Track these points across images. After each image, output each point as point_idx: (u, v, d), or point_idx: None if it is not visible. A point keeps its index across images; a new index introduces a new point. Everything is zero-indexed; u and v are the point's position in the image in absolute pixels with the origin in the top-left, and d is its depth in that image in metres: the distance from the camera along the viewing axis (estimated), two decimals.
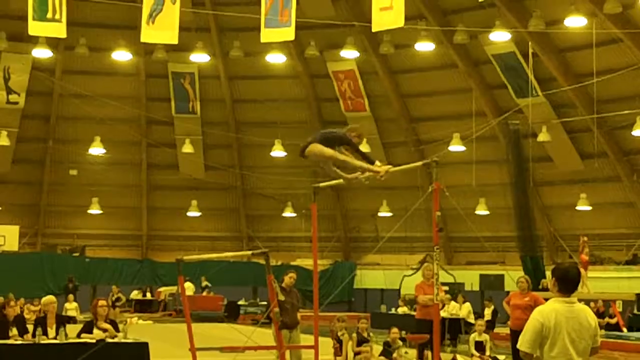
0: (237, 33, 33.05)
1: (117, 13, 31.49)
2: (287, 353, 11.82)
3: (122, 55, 31.95)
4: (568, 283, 5.97)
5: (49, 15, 18.29)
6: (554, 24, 27.96)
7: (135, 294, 34.48)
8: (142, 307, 33.47)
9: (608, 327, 23.20)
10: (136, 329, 20.67)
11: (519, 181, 30.52)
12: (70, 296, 28.71)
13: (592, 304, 22.70)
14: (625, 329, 23.56)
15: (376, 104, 35.22)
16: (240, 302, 32.20)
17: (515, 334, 11.57)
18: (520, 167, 30.42)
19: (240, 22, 30.65)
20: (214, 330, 20.76)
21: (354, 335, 12.93)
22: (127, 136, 36.30)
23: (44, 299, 12.20)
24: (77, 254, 36.86)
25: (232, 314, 30.29)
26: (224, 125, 36.83)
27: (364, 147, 35.49)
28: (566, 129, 31.32)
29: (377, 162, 9.04)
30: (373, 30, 19.43)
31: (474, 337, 14.05)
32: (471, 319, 20.98)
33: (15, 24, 29.46)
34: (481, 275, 33.84)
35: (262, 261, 7.48)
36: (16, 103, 33.98)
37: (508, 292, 14.97)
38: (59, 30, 18.76)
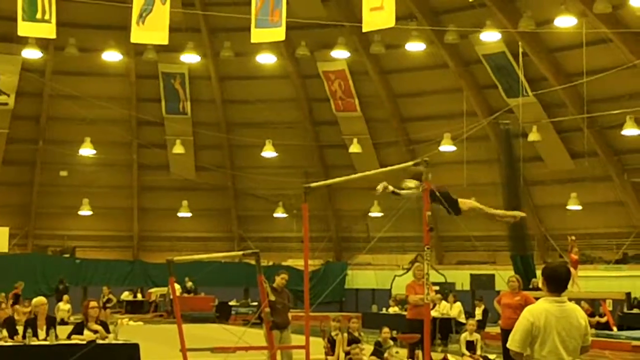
0: (228, 33, 33.04)
1: (107, 13, 31.37)
2: (278, 353, 11.82)
3: (112, 56, 31.91)
4: (557, 282, 5.97)
5: (39, 15, 18.25)
6: (544, 24, 28.02)
7: (126, 295, 34.43)
8: (133, 308, 33.42)
9: (598, 326, 23.24)
10: (127, 330, 20.59)
11: (510, 181, 30.61)
12: (65, 297, 28.44)
13: (582, 304, 22.76)
14: (615, 328, 23.63)
15: (367, 104, 35.24)
16: (231, 303, 32.18)
17: (506, 333, 11.58)
18: (511, 166, 30.52)
19: (230, 22, 30.65)
20: (205, 331, 20.72)
21: (345, 335, 12.93)
22: (117, 137, 36.20)
23: (34, 300, 12.16)
24: (67, 255, 36.79)
25: (223, 315, 30.26)
26: (215, 126, 36.79)
27: (355, 148, 35.61)
28: (556, 129, 31.40)
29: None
30: (364, 30, 19.45)
31: (464, 336, 14.07)
32: (462, 319, 21.00)
33: (5, 25, 29.38)
34: (472, 275, 33.90)
35: (253, 262, 7.46)
36: (6, 104, 33.87)
37: (499, 292, 15.01)
38: (48, 30, 18.74)
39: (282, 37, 19.17)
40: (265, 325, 7.37)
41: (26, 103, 35.15)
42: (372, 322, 23.28)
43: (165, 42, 19.14)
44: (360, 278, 37.32)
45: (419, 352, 12.19)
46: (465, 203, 9.40)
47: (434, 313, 19.63)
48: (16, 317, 18.56)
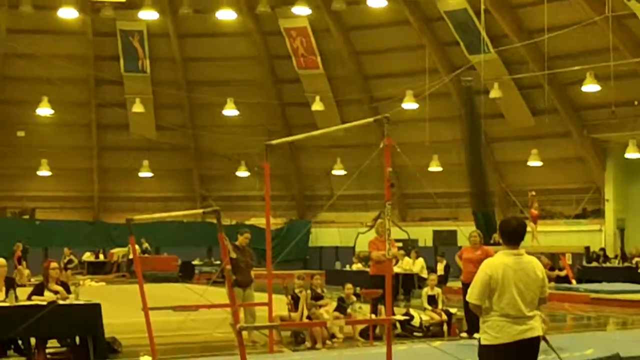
0: None
1: None
2: (241, 311, 11.81)
3: (68, 13, 31.19)
4: (512, 235, 6.04)
5: None
6: None
7: (88, 256, 34.20)
8: (95, 269, 33.24)
9: (558, 279, 23.61)
10: (89, 290, 20.50)
11: (471, 138, 30.78)
12: (24, 263, 27.98)
13: (542, 258, 23.07)
14: (574, 281, 24.04)
15: (329, 62, 35.06)
16: (195, 262, 32.15)
17: (466, 287, 11.63)
18: (473, 123, 30.66)
19: None
20: (168, 290, 20.68)
21: (308, 292, 12.96)
22: (75, 96, 35.69)
23: None
24: (27, 217, 36.35)
25: (186, 274, 30.22)
26: (175, 85, 36.42)
27: (318, 106, 35.42)
28: (518, 86, 31.53)
29: None
30: None
31: (426, 291, 14.15)
32: (424, 274, 21.18)
33: None
34: (434, 231, 34.19)
35: (215, 221, 7.36)
36: None
37: (461, 247, 15.10)
38: None
39: None
40: (227, 282, 7.32)
41: None
42: (335, 279, 23.46)
43: None
44: (324, 236, 37.46)
45: (381, 307, 12.24)
46: None
47: (396, 269, 19.76)
48: None
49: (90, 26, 34.77)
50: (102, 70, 35.52)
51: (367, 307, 13.53)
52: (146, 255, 32.08)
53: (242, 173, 37.61)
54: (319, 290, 13.74)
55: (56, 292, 11.21)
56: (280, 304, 12.43)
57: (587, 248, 30.16)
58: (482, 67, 29.09)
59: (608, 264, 27.79)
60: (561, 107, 31.07)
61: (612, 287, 22.06)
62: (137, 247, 31.34)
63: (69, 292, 11.41)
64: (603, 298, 20.37)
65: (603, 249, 29.36)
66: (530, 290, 5.89)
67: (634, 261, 26.96)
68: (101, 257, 34.42)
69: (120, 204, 37.47)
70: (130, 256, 31.77)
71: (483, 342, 5.92)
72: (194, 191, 38.52)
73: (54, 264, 11.78)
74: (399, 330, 13.14)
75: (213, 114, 36.04)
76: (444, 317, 13.76)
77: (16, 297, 10.95)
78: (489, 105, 30.98)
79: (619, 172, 31.88)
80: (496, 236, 24.41)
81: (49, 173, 36.72)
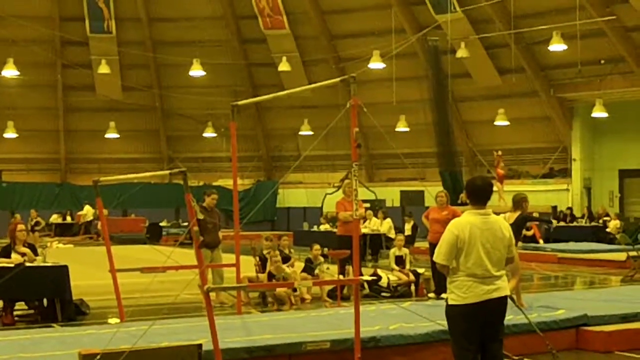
0: None
1: None
2: (209, 272, 11.83)
3: None
4: (478, 194, 6.04)
5: None
6: None
7: (55, 218, 34.01)
8: (62, 231, 33.09)
9: (525, 239, 23.78)
10: (56, 252, 20.41)
11: (438, 98, 30.83)
12: None
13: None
14: (541, 241, 24.26)
15: (296, 22, 34.85)
16: (162, 224, 32.10)
17: (434, 247, 11.76)
18: (440, 83, 30.70)
19: None
20: (136, 252, 20.62)
21: (276, 252, 12.99)
22: (41, 57, 35.21)
23: None
24: None
25: (154, 236, 30.15)
26: (141, 45, 36.04)
27: (284, 66, 35.23)
28: (484, 45, 31.56)
29: None
30: None
31: (394, 251, 14.23)
32: (392, 235, 21.27)
33: None
34: (402, 192, 34.34)
35: (182, 182, 7.34)
36: None
37: (428, 207, 15.19)
38: None
39: None
40: (194, 244, 7.33)
41: None
42: (303, 239, 23.52)
43: None
44: (292, 197, 37.53)
45: (349, 268, 12.32)
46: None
47: (364, 229, 19.85)
48: None
49: None
50: (68, 31, 35.03)
51: (334, 268, 13.61)
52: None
53: (209, 134, 37.44)
54: (286, 251, 13.80)
55: (23, 254, 11.16)
56: (248, 265, 12.46)
57: (554, 207, 30.51)
58: (449, 26, 29.06)
59: (575, 223, 28.07)
60: (528, 66, 31.18)
61: (580, 246, 22.25)
62: (91, 209, 31.06)
63: (36, 254, 11.37)
64: (570, 257, 20.53)
65: (570, 208, 29.65)
66: (497, 249, 5.91)
67: (600, 220, 27.27)
68: (68, 219, 34.24)
69: (87, 165, 37.25)
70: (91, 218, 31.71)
71: (450, 302, 5.94)
72: (161, 152, 38.33)
73: (20, 226, 11.71)
74: (366, 290, 13.22)
75: (179, 74, 35.76)
76: (412, 277, 13.85)
77: None
78: (455, 64, 31.02)
79: (586, 132, 32.14)
80: (463, 196, 24.60)
81: (15, 135, 36.34)
